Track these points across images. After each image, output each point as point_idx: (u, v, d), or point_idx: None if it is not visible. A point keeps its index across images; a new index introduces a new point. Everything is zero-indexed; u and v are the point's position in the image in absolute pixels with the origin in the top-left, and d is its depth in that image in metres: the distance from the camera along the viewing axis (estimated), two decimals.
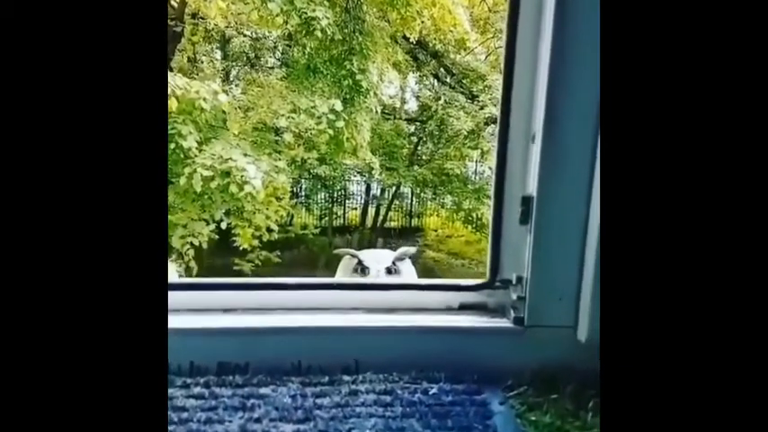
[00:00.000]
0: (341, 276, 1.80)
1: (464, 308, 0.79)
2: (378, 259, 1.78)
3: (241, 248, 6.65)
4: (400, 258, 1.79)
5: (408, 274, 1.79)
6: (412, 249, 1.83)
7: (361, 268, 1.77)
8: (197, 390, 0.67)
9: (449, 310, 0.79)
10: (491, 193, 0.75)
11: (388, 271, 1.77)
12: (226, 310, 0.76)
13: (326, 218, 9.06)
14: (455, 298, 0.79)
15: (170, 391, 0.67)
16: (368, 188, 8.91)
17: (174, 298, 0.75)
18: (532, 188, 0.71)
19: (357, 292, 0.79)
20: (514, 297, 0.74)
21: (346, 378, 0.69)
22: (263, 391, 0.67)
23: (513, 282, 0.75)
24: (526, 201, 0.72)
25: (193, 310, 0.76)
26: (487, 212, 7.58)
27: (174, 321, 0.72)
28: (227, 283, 0.79)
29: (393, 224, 9.38)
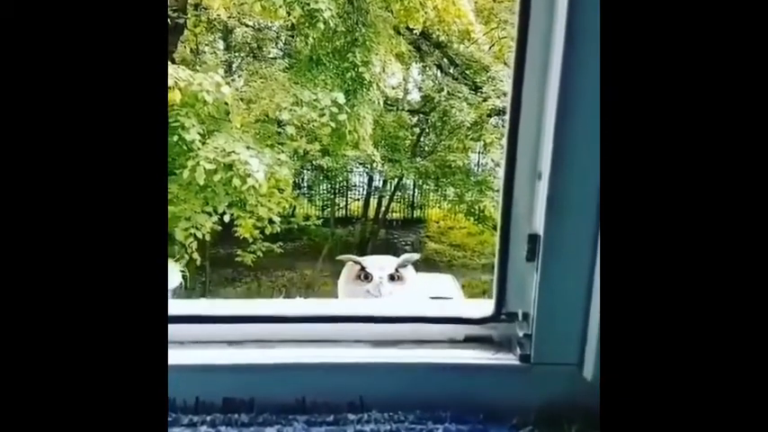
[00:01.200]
0: (343, 283, 1.79)
1: (469, 340, 0.79)
2: (381, 266, 1.77)
3: (242, 239, 6.68)
4: (403, 265, 1.78)
5: (412, 281, 1.79)
6: (415, 256, 1.81)
7: (364, 275, 1.76)
8: (203, 429, 0.67)
9: (454, 342, 0.79)
10: (498, 230, 0.75)
11: (391, 278, 1.76)
12: (230, 343, 0.77)
13: (329, 209, 9.07)
14: (460, 330, 0.79)
15: (176, 430, 0.67)
16: (370, 180, 8.92)
17: (176, 331, 0.75)
18: (539, 226, 0.71)
19: (362, 325, 0.79)
20: (521, 334, 0.74)
21: (351, 417, 0.69)
22: (268, 430, 0.67)
23: (520, 318, 0.75)
24: (532, 239, 0.71)
25: (197, 343, 0.77)
26: (489, 205, 7.57)
27: (178, 355, 0.72)
28: (231, 316, 0.79)
29: (395, 215, 9.41)
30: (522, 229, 0.73)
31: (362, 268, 1.74)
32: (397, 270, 1.74)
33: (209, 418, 0.69)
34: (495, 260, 0.76)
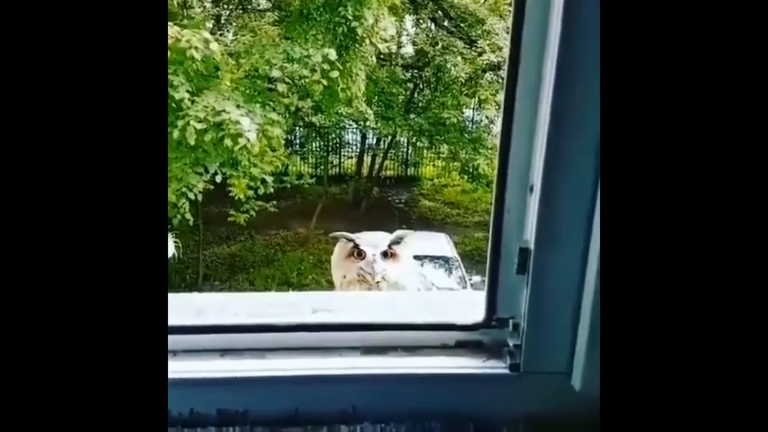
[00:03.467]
0: (336, 260, 1.79)
1: (460, 345, 0.80)
2: (374, 243, 1.76)
3: (236, 199, 6.65)
4: (396, 242, 1.78)
5: (405, 258, 1.79)
6: (409, 232, 1.81)
7: (357, 252, 1.76)
8: None
9: (446, 348, 0.80)
10: (489, 241, 0.74)
11: (384, 255, 1.76)
12: (223, 353, 0.77)
13: (322, 167, 9.01)
14: (452, 336, 0.80)
15: None
16: (363, 137, 8.84)
17: (171, 340, 0.75)
18: (530, 239, 0.71)
19: (354, 333, 0.79)
20: (511, 344, 0.75)
21: (344, 429, 0.71)
22: None
23: (510, 328, 0.75)
24: (523, 252, 0.71)
25: (189, 352, 0.77)
26: (483, 162, 7.54)
27: (172, 366, 0.73)
28: (223, 326, 0.79)
29: (389, 173, 9.37)
30: (513, 242, 0.73)
31: (355, 245, 1.74)
32: (390, 247, 1.74)
33: (203, 431, 0.70)
34: (487, 269, 0.76)
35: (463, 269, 6.03)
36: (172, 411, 0.72)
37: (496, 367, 0.76)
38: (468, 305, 0.84)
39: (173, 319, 0.78)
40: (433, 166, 9.58)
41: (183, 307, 0.86)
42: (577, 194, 0.68)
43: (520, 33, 0.67)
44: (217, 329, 0.78)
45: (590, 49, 0.61)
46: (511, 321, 0.75)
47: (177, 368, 0.73)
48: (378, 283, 1.67)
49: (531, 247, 0.70)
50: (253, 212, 7.02)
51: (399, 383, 0.75)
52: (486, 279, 0.78)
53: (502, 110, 0.69)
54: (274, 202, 7.45)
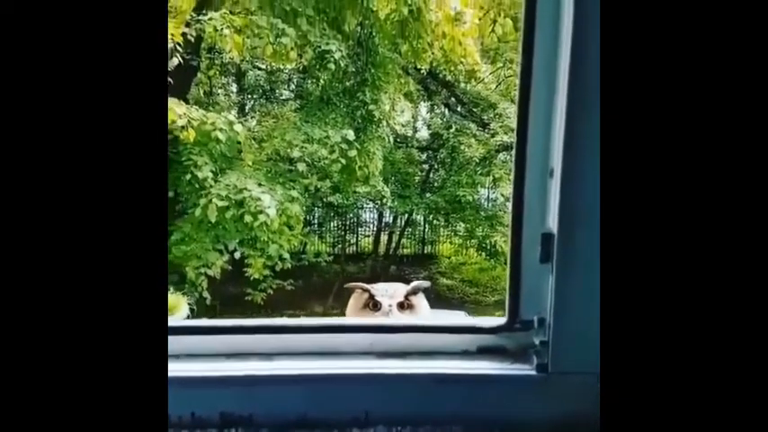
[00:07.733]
0: (351, 312, 1.74)
1: (482, 351, 0.74)
2: (390, 294, 1.71)
3: (253, 279, 6.64)
4: (413, 292, 1.72)
5: (422, 308, 1.73)
6: (425, 283, 1.76)
7: (373, 303, 1.70)
8: None
9: (466, 354, 0.74)
10: (509, 230, 0.71)
11: (401, 306, 1.70)
12: (228, 356, 0.72)
13: (339, 246, 9.03)
14: (473, 341, 0.74)
15: None
16: (380, 216, 8.91)
17: (173, 343, 0.71)
18: (553, 225, 0.67)
19: (368, 335, 0.74)
20: (537, 342, 0.69)
21: None
22: None
23: (536, 325, 0.70)
24: (546, 238, 0.68)
25: (194, 356, 0.73)
26: (500, 240, 7.49)
27: (174, 368, 0.68)
28: (229, 327, 0.75)
29: (406, 251, 9.34)
30: (534, 230, 0.69)
31: (371, 296, 1.69)
32: (406, 298, 1.69)
33: None
34: (508, 265, 0.72)
35: None
36: (172, 415, 0.67)
37: (522, 369, 0.70)
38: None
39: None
40: (450, 243, 9.54)
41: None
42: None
43: (533, 22, 0.67)
44: (222, 330, 0.74)
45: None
46: (536, 318, 0.70)
47: (180, 369, 0.69)
48: None
49: (555, 231, 0.67)
50: (270, 291, 6.99)
51: (416, 385, 0.69)
52: (508, 278, 0.73)
53: (518, 91, 0.68)
54: (291, 281, 7.42)
